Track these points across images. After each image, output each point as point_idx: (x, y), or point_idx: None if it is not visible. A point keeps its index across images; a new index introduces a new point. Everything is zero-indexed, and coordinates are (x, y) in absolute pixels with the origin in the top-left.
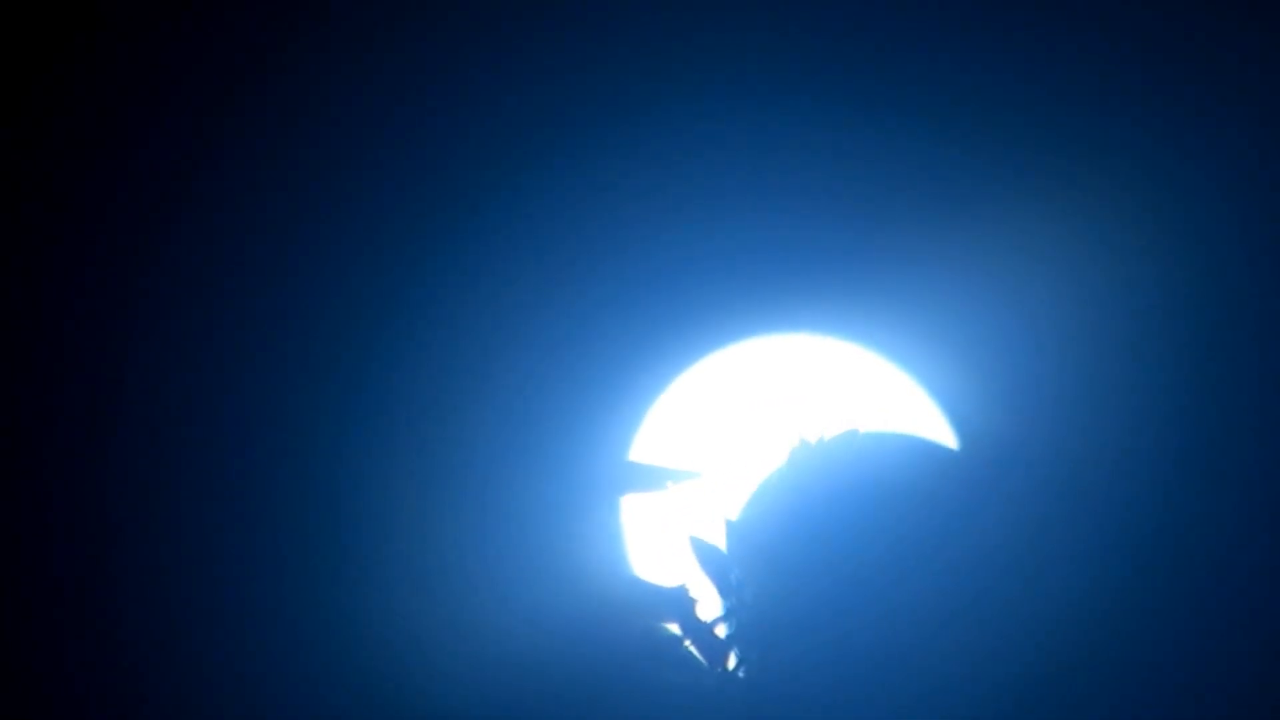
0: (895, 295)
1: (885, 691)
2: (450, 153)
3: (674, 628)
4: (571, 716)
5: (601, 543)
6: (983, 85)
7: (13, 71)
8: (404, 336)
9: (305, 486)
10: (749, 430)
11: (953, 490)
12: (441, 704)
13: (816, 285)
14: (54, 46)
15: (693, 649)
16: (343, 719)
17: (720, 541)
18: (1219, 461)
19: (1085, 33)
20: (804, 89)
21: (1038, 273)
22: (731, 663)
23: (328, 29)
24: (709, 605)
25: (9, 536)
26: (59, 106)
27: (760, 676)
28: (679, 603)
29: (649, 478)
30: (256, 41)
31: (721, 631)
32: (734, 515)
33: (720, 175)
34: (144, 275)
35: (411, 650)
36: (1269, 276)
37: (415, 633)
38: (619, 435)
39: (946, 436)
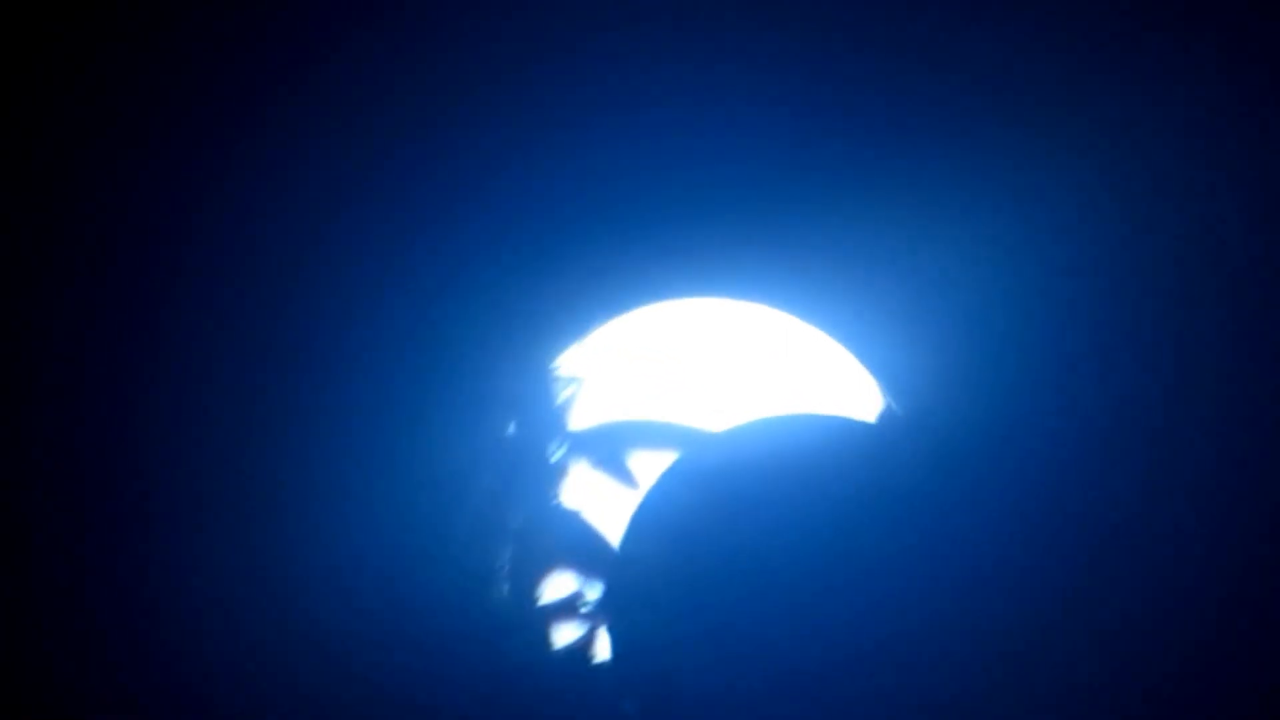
0: (823, 254)
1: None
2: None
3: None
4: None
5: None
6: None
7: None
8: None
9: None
10: (654, 406)
11: (885, 476)
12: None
13: (731, 240)
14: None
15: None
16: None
17: (618, 530)
18: (1171, 444)
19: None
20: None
21: (985, 235)
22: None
23: None
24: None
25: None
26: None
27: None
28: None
29: (544, 455)
30: None
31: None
32: (635, 503)
33: (634, 113)
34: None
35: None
36: (1232, 252)
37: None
38: (508, 409)
39: (881, 416)
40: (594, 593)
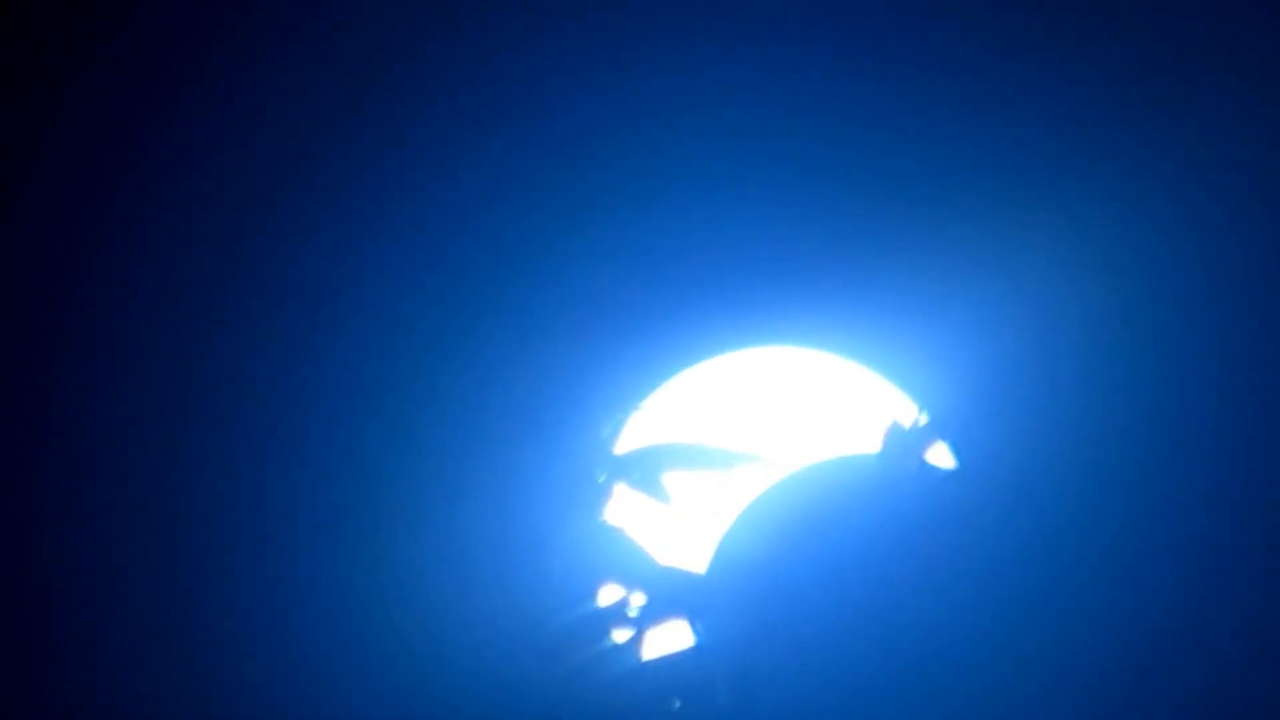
0: (890, 305)
1: None
2: (432, 146)
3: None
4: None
5: (575, 555)
6: (981, 77)
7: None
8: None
9: (275, 485)
10: (734, 451)
11: (952, 515)
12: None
13: (805, 292)
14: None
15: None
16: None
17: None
18: (1240, 481)
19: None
20: (792, 90)
21: (1044, 281)
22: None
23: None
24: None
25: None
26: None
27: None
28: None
29: (629, 493)
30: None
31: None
32: (717, 541)
33: (715, 176)
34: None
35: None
36: None
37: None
38: (597, 447)
39: (945, 458)
40: (637, 602)
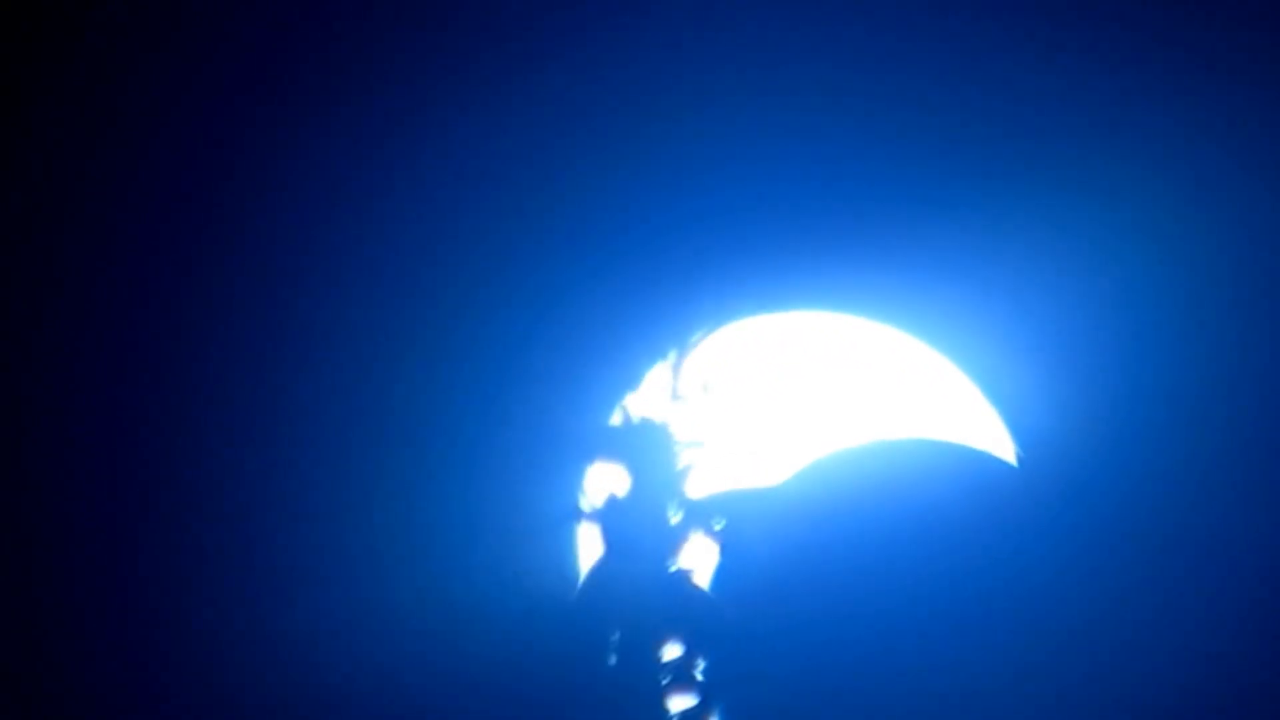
0: (952, 277)
1: None
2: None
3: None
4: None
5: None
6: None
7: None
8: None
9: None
10: (760, 429)
11: (1006, 516)
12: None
13: (858, 255)
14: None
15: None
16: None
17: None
18: None
19: None
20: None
21: (1120, 266)
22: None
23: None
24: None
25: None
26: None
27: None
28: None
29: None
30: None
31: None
32: (731, 531)
33: (762, 126)
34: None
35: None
36: None
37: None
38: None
39: (1003, 449)
40: (703, 661)
